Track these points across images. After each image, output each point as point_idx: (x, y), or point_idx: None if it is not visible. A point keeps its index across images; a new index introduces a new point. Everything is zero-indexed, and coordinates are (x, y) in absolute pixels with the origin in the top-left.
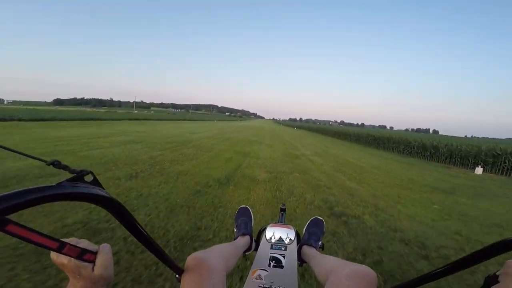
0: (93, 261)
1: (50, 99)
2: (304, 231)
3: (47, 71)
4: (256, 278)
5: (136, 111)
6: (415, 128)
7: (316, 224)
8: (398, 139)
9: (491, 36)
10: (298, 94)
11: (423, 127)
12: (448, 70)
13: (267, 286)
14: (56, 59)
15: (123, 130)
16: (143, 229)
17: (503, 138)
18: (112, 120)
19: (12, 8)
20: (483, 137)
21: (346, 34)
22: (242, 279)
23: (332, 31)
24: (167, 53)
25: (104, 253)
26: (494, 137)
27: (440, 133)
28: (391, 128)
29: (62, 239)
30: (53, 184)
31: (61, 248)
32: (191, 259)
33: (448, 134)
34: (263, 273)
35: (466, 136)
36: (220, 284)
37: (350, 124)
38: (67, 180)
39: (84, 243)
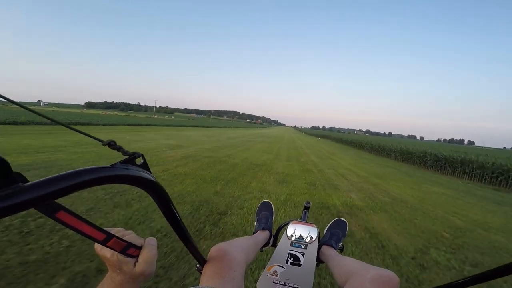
0: (136, 256)
1: (82, 101)
2: (325, 230)
3: (78, 75)
4: (272, 274)
5: (156, 116)
6: (448, 139)
7: (338, 225)
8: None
9: None
10: (321, 102)
11: (458, 137)
12: (487, 75)
13: (281, 283)
14: (85, 62)
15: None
16: (179, 216)
17: None
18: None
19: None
20: None
21: (373, 40)
22: (254, 273)
23: (358, 36)
24: (194, 60)
25: (149, 249)
26: None
27: (476, 144)
28: (422, 138)
29: (109, 231)
30: (108, 165)
31: (107, 240)
32: (215, 250)
33: (485, 146)
34: (279, 270)
35: (505, 148)
36: (240, 276)
37: (376, 133)
38: (120, 162)
39: (130, 236)
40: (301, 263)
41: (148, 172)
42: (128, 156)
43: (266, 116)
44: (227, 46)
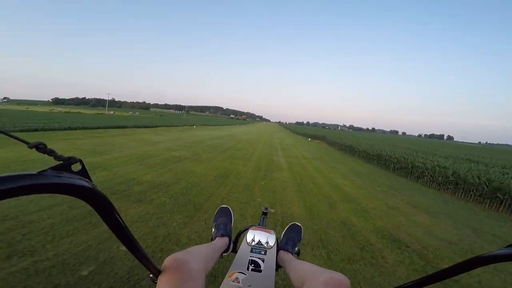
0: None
1: (47, 98)
2: (282, 236)
3: (43, 68)
4: (233, 281)
5: (112, 112)
6: (428, 134)
7: (294, 230)
8: None
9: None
10: (305, 97)
11: (438, 132)
12: (467, 72)
13: None
14: (51, 56)
15: None
16: (124, 223)
17: None
18: None
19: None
20: (498, 144)
21: (355, 35)
22: (216, 280)
23: (341, 31)
24: (176, 54)
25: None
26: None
27: (455, 139)
28: (404, 133)
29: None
30: (34, 172)
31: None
32: (170, 260)
33: (464, 141)
34: (241, 276)
35: (479, 142)
36: (200, 286)
37: (360, 129)
38: (51, 168)
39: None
40: (261, 269)
41: (86, 179)
42: (62, 162)
43: (251, 111)
44: (210, 42)
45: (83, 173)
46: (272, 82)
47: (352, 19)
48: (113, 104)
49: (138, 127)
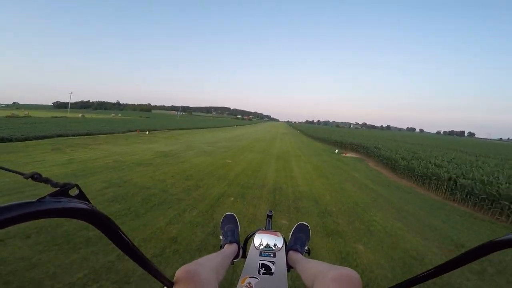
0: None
1: (48, 102)
2: (290, 236)
3: (44, 74)
4: (246, 286)
5: (80, 115)
6: (447, 131)
7: (301, 230)
8: None
9: None
10: (315, 95)
11: (457, 129)
12: (491, 64)
13: None
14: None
15: None
16: (130, 241)
17: None
18: None
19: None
20: None
21: (368, 29)
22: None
23: (354, 27)
24: (179, 54)
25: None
26: None
27: (476, 135)
28: (421, 130)
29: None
30: (33, 200)
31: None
32: (182, 272)
33: (486, 137)
34: (253, 281)
35: (501, 139)
36: None
37: (373, 127)
38: (50, 195)
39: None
40: (272, 271)
41: (86, 202)
42: (58, 188)
43: (259, 111)
44: (221, 43)
45: (81, 196)
46: (281, 81)
47: (364, 14)
48: (115, 107)
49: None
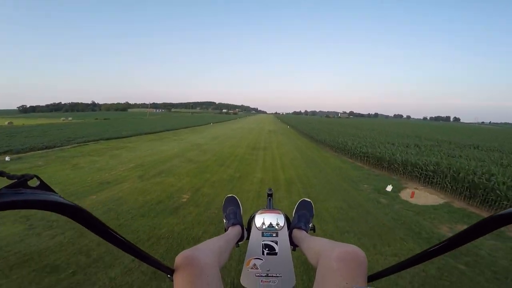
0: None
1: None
2: (293, 214)
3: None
4: (252, 268)
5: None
6: (434, 116)
7: (304, 206)
8: None
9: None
10: (301, 85)
11: (444, 114)
12: (473, 50)
13: (264, 275)
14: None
15: None
16: (116, 232)
17: None
18: None
19: None
20: (505, 123)
21: (353, 19)
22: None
23: (339, 16)
24: (167, 51)
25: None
26: None
27: (461, 120)
28: (408, 117)
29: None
30: None
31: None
32: (180, 258)
33: (471, 122)
34: (258, 262)
35: (483, 122)
36: (214, 279)
37: (361, 115)
38: (6, 187)
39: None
40: (276, 251)
41: (51, 193)
42: (16, 180)
43: (246, 104)
44: (207, 37)
45: (44, 187)
46: (266, 73)
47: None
48: (89, 108)
49: None
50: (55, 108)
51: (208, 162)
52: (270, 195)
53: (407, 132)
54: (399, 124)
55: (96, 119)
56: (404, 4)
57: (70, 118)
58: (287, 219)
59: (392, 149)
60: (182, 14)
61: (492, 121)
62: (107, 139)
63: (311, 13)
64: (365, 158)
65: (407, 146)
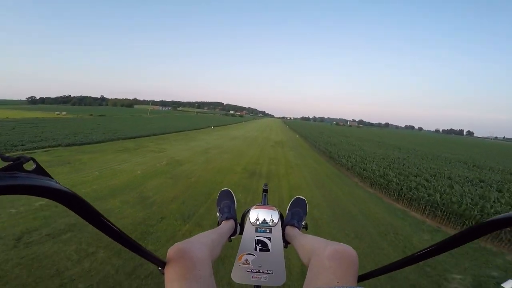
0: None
1: (22, 97)
2: (287, 211)
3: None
4: (244, 263)
5: None
6: (447, 129)
7: (298, 204)
8: None
9: None
10: (311, 91)
11: (456, 127)
12: (492, 62)
13: (255, 271)
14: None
15: None
16: (113, 225)
17: None
18: None
19: None
20: None
21: (368, 25)
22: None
23: (355, 22)
24: (175, 48)
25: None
26: None
27: (475, 134)
28: (420, 128)
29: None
30: None
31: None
32: (172, 250)
33: (485, 136)
34: (250, 258)
35: (496, 137)
36: (207, 273)
37: (371, 124)
38: (0, 170)
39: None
40: (269, 248)
41: (47, 178)
42: (11, 162)
43: (253, 107)
44: (219, 38)
45: (40, 171)
46: (276, 76)
47: (363, 11)
48: (96, 102)
49: None
50: (64, 101)
51: (160, 215)
52: (265, 190)
53: (444, 153)
54: (416, 137)
55: (91, 115)
56: (422, 10)
57: (64, 113)
58: (281, 216)
59: (465, 189)
60: (198, 12)
61: (506, 136)
62: (68, 145)
63: (325, 20)
64: (427, 207)
65: (471, 182)
